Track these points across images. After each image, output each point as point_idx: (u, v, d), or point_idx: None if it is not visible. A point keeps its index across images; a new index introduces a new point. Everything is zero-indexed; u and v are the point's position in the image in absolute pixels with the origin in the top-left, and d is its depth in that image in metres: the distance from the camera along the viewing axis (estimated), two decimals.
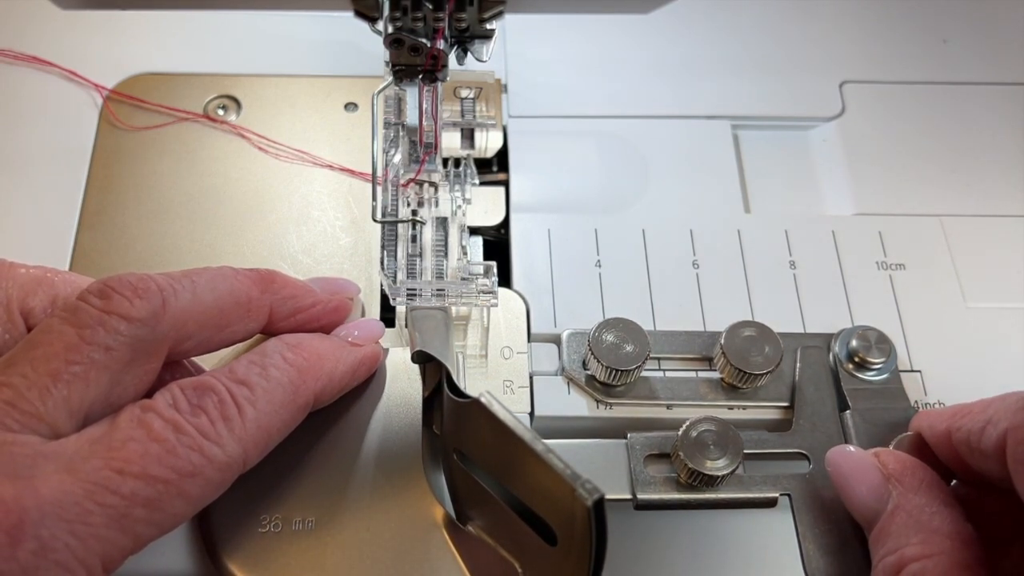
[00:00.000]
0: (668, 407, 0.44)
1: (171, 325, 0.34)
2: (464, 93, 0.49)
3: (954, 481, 0.39)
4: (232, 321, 0.37)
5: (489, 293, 0.44)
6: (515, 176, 0.52)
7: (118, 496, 0.30)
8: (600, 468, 0.41)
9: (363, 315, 0.46)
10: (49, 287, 0.37)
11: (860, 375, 0.44)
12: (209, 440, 0.33)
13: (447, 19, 0.39)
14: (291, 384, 0.36)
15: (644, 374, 0.44)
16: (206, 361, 0.41)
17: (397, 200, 0.47)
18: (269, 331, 0.40)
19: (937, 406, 0.45)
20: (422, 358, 0.42)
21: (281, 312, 0.39)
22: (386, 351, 0.43)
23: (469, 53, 0.42)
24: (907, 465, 0.37)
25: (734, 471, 0.40)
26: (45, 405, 0.31)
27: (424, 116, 0.44)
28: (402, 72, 0.41)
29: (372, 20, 0.40)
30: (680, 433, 0.41)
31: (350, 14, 0.39)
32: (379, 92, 0.44)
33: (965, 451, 0.36)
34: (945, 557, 0.33)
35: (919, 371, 0.46)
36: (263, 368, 0.36)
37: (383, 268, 0.45)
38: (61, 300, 0.36)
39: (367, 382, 0.42)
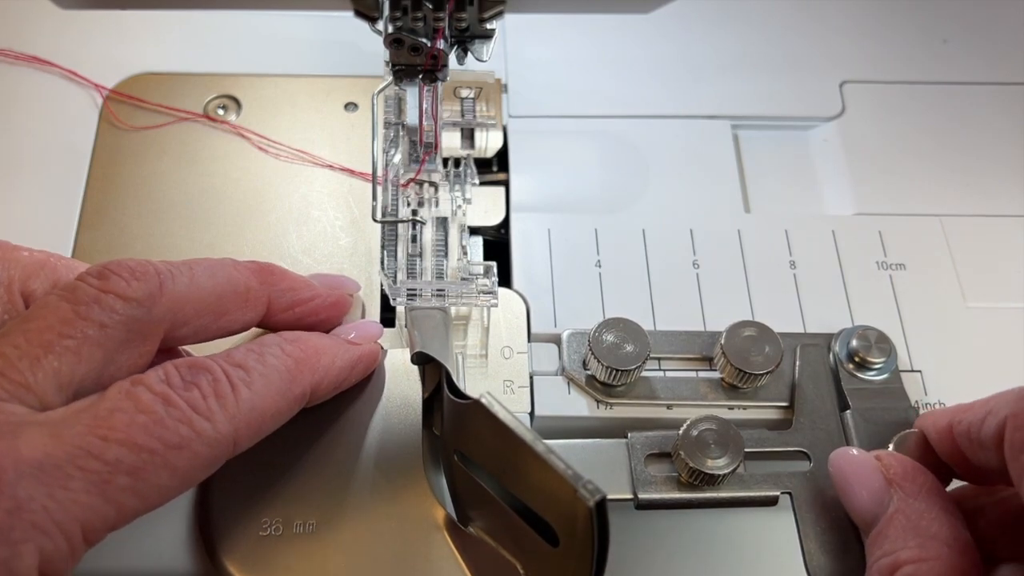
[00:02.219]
0: (668, 407, 0.44)
1: (168, 308, 0.35)
2: (464, 93, 0.49)
3: (953, 482, 0.39)
4: (230, 309, 0.37)
5: (489, 293, 0.44)
6: (515, 176, 0.52)
7: (101, 462, 0.30)
8: (601, 468, 0.41)
9: (363, 315, 0.46)
10: (51, 271, 0.37)
11: (860, 375, 0.44)
12: (199, 414, 0.32)
13: (447, 19, 0.39)
14: (288, 372, 0.36)
15: (644, 374, 0.44)
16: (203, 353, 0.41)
17: (397, 200, 0.47)
18: (267, 324, 0.40)
19: (937, 406, 0.45)
20: (422, 359, 0.42)
21: (279, 304, 0.39)
22: (385, 351, 0.43)
23: (469, 53, 0.42)
24: (908, 469, 0.37)
25: (735, 470, 0.40)
26: (35, 376, 0.31)
27: (424, 116, 0.44)
28: (402, 72, 0.41)
29: (372, 20, 0.40)
30: (681, 432, 0.41)
31: (350, 14, 0.39)
32: (379, 92, 0.44)
33: (965, 443, 0.36)
34: (940, 563, 0.33)
35: (919, 371, 0.46)
36: (260, 355, 0.36)
37: (383, 268, 0.45)
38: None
39: (367, 383, 0.42)
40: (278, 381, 0.36)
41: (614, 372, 0.42)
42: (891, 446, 0.40)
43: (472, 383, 0.44)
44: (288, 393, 0.36)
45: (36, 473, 0.29)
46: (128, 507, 0.31)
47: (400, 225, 0.46)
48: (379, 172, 0.44)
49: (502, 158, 0.53)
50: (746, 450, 0.41)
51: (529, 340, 0.46)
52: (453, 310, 0.46)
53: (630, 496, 0.41)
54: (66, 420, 0.30)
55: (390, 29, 0.39)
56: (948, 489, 0.38)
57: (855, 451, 0.39)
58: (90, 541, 0.30)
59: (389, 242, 0.46)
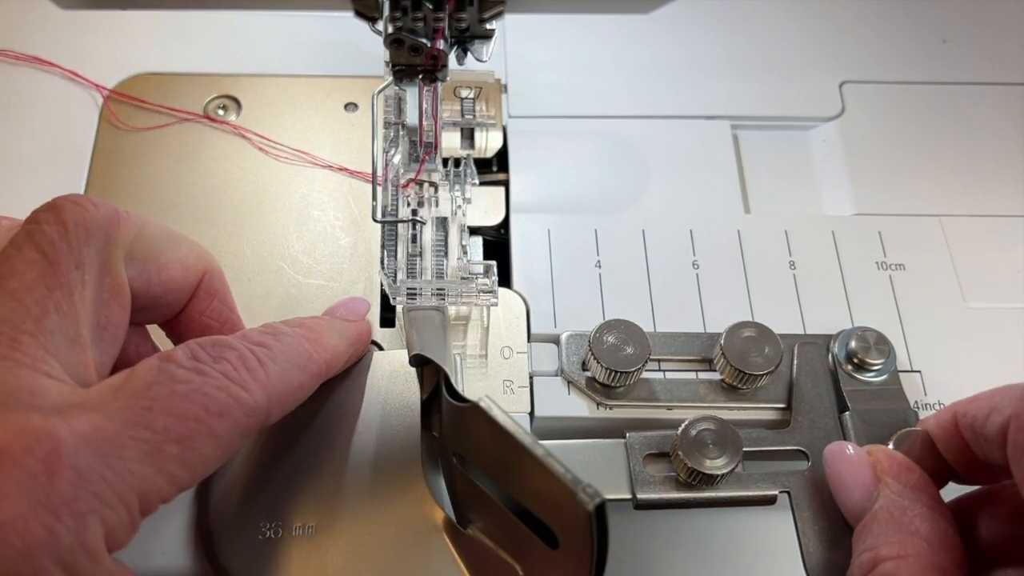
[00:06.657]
0: (668, 408, 0.44)
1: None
2: (464, 93, 0.49)
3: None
4: None
5: (489, 292, 0.44)
6: (515, 176, 0.52)
7: (150, 431, 0.29)
8: (599, 468, 0.41)
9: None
10: None
11: (859, 376, 0.44)
12: (234, 383, 0.32)
13: (447, 19, 0.39)
14: (303, 349, 0.36)
15: (644, 375, 0.44)
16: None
17: (397, 200, 0.47)
18: None
19: (937, 407, 0.45)
20: (419, 361, 0.42)
21: None
22: (382, 349, 0.43)
23: (469, 53, 0.42)
24: (896, 464, 0.37)
25: (733, 470, 0.40)
26: (46, 340, 0.30)
27: (424, 116, 0.44)
28: (402, 72, 0.41)
29: (372, 20, 0.40)
30: (679, 432, 0.41)
31: (350, 14, 0.39)
32: (379, 92, 0.44)
33: (970, 436, 0.37)
34: (919, 559, 0.34)
35: (919, 371, 0.46)
36: (276, 335, 0.36)
37: (383, 268, 0.45)
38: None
39: (365, 384, 0.42)
40: (297, 357, 0.36)
41: (614, 374, 0.42)
42: (891, 444, 0.40)
43: (472, 383, 0.44)
44: (307, 369, 0.36)
45: (90, 444, 0.28)
46: (179, 478, 0.30)
47: (400, 225, 0.46)
48: (379, 172, 0.44)
49: (502, 158, 0.53)
50: (744, 449, 0.41)
51: (529, 340, 0.46)
52: (452, 310, 0.46)
53: (628, 496, 0.41)
54: (103, 395, 0.30)
55: (390, 29, 0.39)
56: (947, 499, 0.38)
57: (850, 447, 0.39)
58: (145, 512, 0.30)
59: (389, 242, 0.46)
